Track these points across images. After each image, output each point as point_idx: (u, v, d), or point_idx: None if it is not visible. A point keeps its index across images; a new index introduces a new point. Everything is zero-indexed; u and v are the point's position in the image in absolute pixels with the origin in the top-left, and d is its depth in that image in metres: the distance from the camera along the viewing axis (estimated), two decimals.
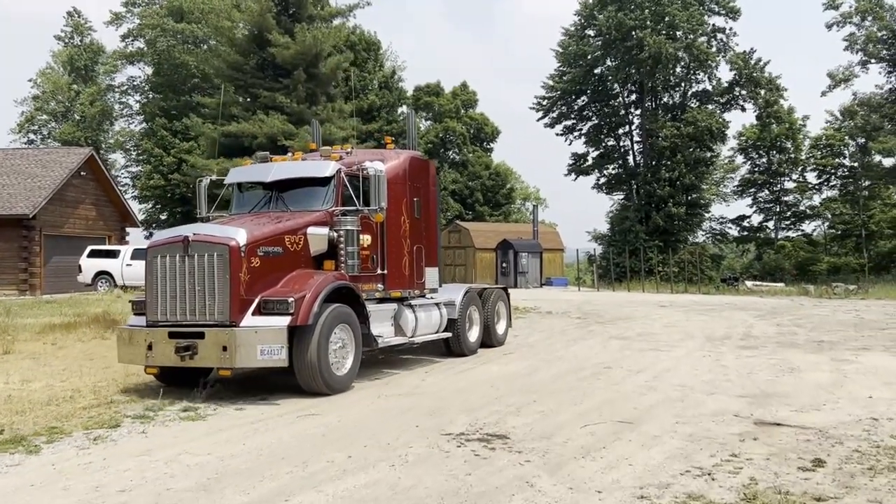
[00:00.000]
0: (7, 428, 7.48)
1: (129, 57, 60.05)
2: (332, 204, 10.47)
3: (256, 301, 9.08)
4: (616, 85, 58.60)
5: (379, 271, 11.06)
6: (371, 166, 10.61)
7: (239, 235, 9.15)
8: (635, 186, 56.76)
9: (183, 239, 9.24)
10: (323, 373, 9.25)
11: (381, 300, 11.18)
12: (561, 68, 58.26)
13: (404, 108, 60.76)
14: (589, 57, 56.61)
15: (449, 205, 57.94)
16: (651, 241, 51.81)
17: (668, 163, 53.88)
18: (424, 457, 6.50)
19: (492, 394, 9.49)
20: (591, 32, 57.40)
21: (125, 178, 63.88)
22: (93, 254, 31.68)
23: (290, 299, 9.00)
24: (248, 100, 45.13)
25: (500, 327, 14.80)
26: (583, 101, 59.16)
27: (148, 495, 5.49)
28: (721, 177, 65.72)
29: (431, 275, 12.50)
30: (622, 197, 58.87)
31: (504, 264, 42.31)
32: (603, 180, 59.64)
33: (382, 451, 6.68)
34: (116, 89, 62.89)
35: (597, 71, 57.92)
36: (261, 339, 8.79)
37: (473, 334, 13.63)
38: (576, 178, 60.10)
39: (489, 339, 14.15)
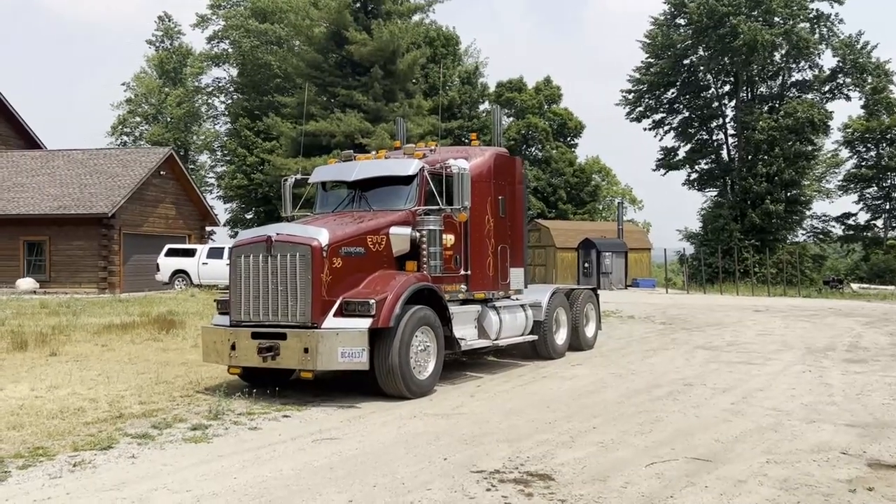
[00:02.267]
0: None
1: (215, 59, 61.03)
2: (415, 203, 10.22)
3: (338, 302, 8.88)
4: (708, 76, 55.56)
5: (462, 272, 10.78)
6: (455, 164, 10.36)
7: (321, 236, 8.97)
8: (729, 182, 53.65)
9: (266, 239, 9.11)
10: (405, 376, 8.99)
11: (465, 301, 10.89)
12: (648, 60, 55.69)
13: (487, 105, 59.54)
14: (678, 47, 53.83)
15: (531, 203, 56.32)
16: (746, 241, 48.74)
17: (765, 157, 50.56)
18: None
19: (545, 417, 8.15)
20: (681, 21, 54.59)
21: (211, 178, 65.11)
22: (170, 252, 31.84)
23: (372, 301, 8.78)
24: (327, 98, 44.89)
25: (589, 330, 14.25)
26: (672, 93, 56.38)
27: None
28: (823, 172, 61.50)
29: (517, 275, 12.06)
30: (715, 193, 55.78)
31: (586, 264, 40.45)
32: (694, 176, 56.74)
33: (392, 494, 5.47)
34: (203, 91, 64.05)
35: (686, 61, 55.05)
36: (342, 341, 8.57)
37: (561, 337, 13.08)
38: (665, 174, 57.45)
39: (577, 342, 13.60)
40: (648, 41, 55.33)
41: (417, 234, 9.89)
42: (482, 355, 12.80)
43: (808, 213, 55.44)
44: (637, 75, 56.14)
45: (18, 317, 18.12)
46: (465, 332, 10.61)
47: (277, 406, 8.74)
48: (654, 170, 57.60)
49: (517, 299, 12.12)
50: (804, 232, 57.13)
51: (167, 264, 31.47)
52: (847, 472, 6.08)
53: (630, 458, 6.45)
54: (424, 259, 9.86)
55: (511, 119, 62.18)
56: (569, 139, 62.98)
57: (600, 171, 64.97)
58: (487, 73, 77.66)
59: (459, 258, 10.70)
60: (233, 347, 9.12)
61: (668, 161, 56.87)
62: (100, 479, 5.91)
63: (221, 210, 58.51)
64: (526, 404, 8.92)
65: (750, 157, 52.10)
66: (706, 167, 56.69)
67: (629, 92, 56.62)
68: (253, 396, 8.99)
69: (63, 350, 13.32)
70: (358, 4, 45.15)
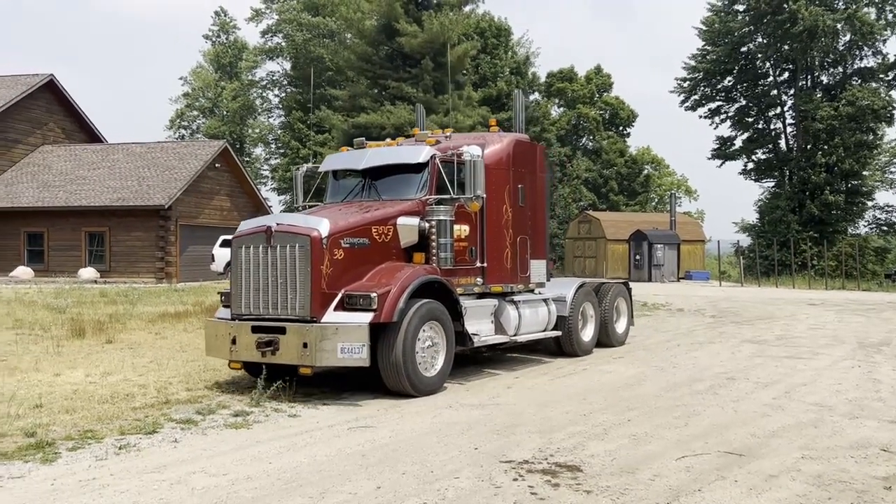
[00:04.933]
0: (41, 430, 7.00)
1: (269, 52, 62.02)
2: (427, 192, 9.80)
3: (339, 295, 8.51)
4: (766, 63, 54.19)
5: (478, 264, 10.31)
6: (467, 151, 9.88)
7: (321, 226, 8.62)
8: (787, 172, 52.30)
9: (266, 229, 8.80)
10: (409, 373, 8.62)
11: (482, 295, 10.45)
12: (705, 47, 54.57)
13: (537, 95, 59.15)
14: (736, 34, 52.59)
15: (582, 194, 55.88)
16: (804, 233, 47.50)
17: (825, 147, 49.11)
18: (467, 493, 5.34)
19: (580, 409, 8.16)
20: (738, 7, 53.31)
21: (265, 170, 66.21)
22: (225, 243, 32.51)
23: (374, 294, 8.40)
24: (377, 91, 45.23)
25: (620, 326, 13.69)
26: (729, 81, 55.17)
27: None
28: (887, 161, 59.45)
29: (538, 268, 11.53)
30: (773, 184, 54.44)
31: (637, 256, 39.99)
32: (751, 166, 55.50)
33: (420, 481, 5.58)
34: (257, 84, 65.15)
35: (744, 49, 53.75)
36: (341, 336, 8.21)
37: (588, 333, 12.58)
38: (721, 164, 56.32)
39: (606, 339, 13.07)
40: (705, 28, 54.21)
41: (427, 225, 9.52)
42: (503, 351, 12.43)
43: (869, 204, 53.75)
44: (693, 63, 55.09)
45: (79, 305, 18.80)
46: (480, 328, 10.19)
47: (317, 395, 8.95)
48: (710, 159, 56.57)
49: (540, 293, 11.66)
50: (866, 223, 55.40)
51: (222, 255, 32.14)
52: (885, 470, 5.96)
53: (661, 452, 6.44)
54: (433, 251, 9.49)
55: (562, 109, 61.70)
56: (620, 129, 62.19)
57: (652, 161, 63.99)
58: (538, 63, 77.07)
59: (475, 250, 10.28)
60: (233, 342, 8.83)
61: (724, 151, 55.72)
62: (142, 461, 6.16)
63: (275, 202, 59.57)
64: (562, 396, 8.94)
65: (809, 146, 50.70)
66: (763, 157, 55.40)
67: (684, 80, 55.62)
68: (294, 386, 9.21)
69: (118, 338, 13.79)
70: None
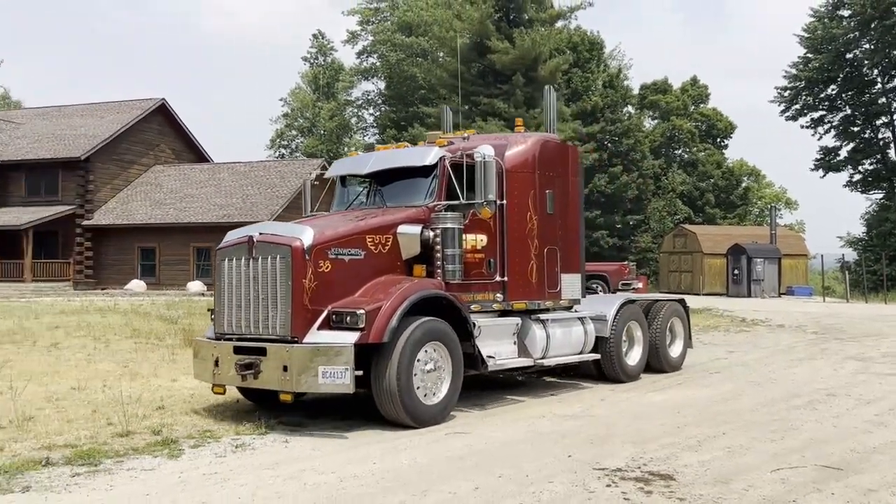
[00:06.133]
0: (165, 429, 7.63)
1: (364, 72, 63.79)
2: (435, 198, 8.85)
3: (325, 312, 7.69)
4: (874, 70, 51.88)
5: (497, 278, 9.23)
6: (478, 151, 8.81)
7: (305, 235, 7.79)
8: None
9: (248, 239, 8.03)
10: (405, 401, 7.66)
11: (504, 313, 9.42)
12: (806, 55, 52.74)
13: (630, 108, 58.53)
14: (840, 40, 50.64)
15: (677, 207, 54.83)
16: None
17: None
18: (562, 496, 5.56)
19: (674, 422, 8.22)
20: (843, 13, 51.35)
21: None
22: None
23: (360, 311, 7.50)
24: (468, 107, 45.88)
25: (675, 349, 12.28)
26: (832, 89, 53.02)
27: None
28: None
29: (570, 283, 10.31)
30: (881, 196, 51.94)
31: (735, 271, 38.91)
32: (857, 177, 53.10)
33: (516, 484, 5.83)
34: (353, 104, 67.05)
35: (849, 55, 51.68)
36: (322, 358, 7.34)
37: (634, 356, 11.24)
38: (824, 175, 54.10)
39: (657, 363, 11.78)
40: (807, 35, 52.38)
41: (431, 234, 8.53)
42: (545, 374, 11.44)
43: None
44: (794, 71, 53.30)
45: (189, 316, 19.92)
46: (499, 349, 9.08)
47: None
48: (812, 171, 54.50)
49: (576, 311, 10.47)
50: None
51: None
52: None
53: (756, 464, 6.47)
54: (438, 262, 8.50)
55: (655, 121, 60.81)
56: (717, 140, 60.75)
57: (750, 172, 62.15)
58: (631, 75, 76.20)
59: (494, 262, 9.20)
60: (216, 363, 8.06)
61: (827, 162, 53.55)
62: (257, 458, 6.67)
63: None
64: (656, 410, 9.00)
65: None
66: (870, 168, 52.94)
67: (785, 89, 53.83)
68: None
69: None
70: (500, 14, 45.89)
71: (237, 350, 7.90)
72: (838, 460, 6.58)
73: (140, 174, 39.80)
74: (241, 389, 8.69)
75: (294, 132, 69.21)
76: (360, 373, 7.50)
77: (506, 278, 9.29)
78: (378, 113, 64.67)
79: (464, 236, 8.68)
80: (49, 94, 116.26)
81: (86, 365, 12.07)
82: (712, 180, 56.69)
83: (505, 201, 9.23)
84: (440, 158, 8.96)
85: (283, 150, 68.49)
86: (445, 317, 8.24)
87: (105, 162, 38.09)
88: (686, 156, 58.84)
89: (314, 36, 69.43)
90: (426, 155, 9.08)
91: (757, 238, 41.82)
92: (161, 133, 41.28)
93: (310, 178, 10.70)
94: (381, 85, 63.66)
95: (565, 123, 44.96)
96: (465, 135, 9.99)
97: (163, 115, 41.15)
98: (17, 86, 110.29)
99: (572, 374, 11.52)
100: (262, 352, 7.67)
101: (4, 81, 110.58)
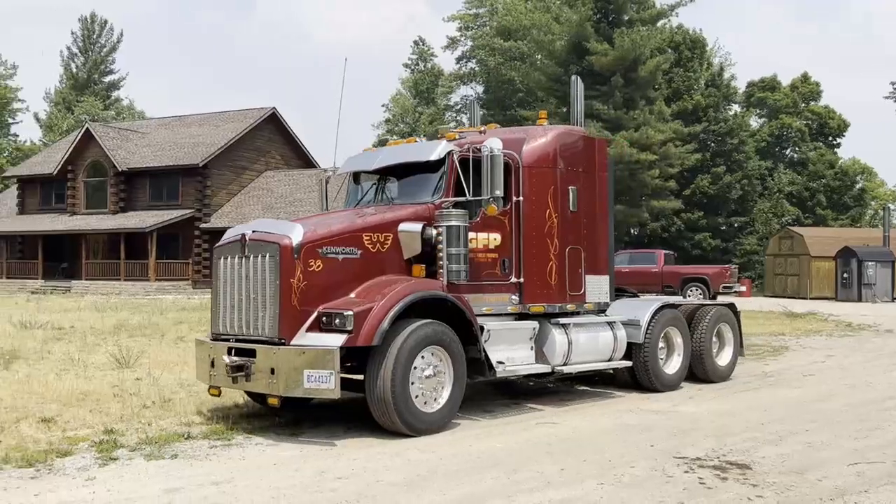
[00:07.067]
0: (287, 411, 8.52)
1: (463, 78, 64.81)
2: (443, 194, 8.44)
3: (314, 314, 7.45)
4: None
5: (513, 279, 8.81)
6: (483, 145, 8.25)
7: (294, 233, 7.54)
8: None
9: (241, 237, 7.85)
10: (400, 408, 7.32)
11: (522, 316, 8.97)
12: None
13: (736, 107, 57.04)
14: None
15: (785, 208, 53.09)
16: None
17: None
18: (641, 479, 6.07)
19: (758, 418, 8.52)
20: None
21: None
22: None
23: (349, 313, 7.21)
24: (566, 110, 46.00)
25: (723, 357, 11.35)
26: None
27: None
28: None
29: (596, 285, 9.74)
30: None
31: (845, 275, 37.54)
32: None
33: (599, 467, 6.38)
34: (452, 108, 68.24)
35: None
36: (307, 361, 7.10)
37: (673, 365, 10.49)
38: None
39: (702, 372, 10.93)
40: None
41: (434, 232, 8.11)
42: (573, 382, 10.93)
43: None
44: None
45: None
46: (514, 354, 8.63)
47: (511, 395, 9.98)
48: None
49: (605, 315, 9.88)
50: None
51: None
52: None
53: (834, 458, 6.76)
54: (441, 262, 8.05)
55: (763, 120, 59.05)
56: (830, 139, 58.40)
57: (863, 171, 59.37)
58: (737, 72, 74.05)
59: (509, 262, 8.79)
60: (212, 364, 7.87)
61: None
62: (366, 439, 7.46)
63: None
64: (743, 408, 9.28)
65: None
66: None
67: None
68: (492, 386, 10.26)
69: None
70: (599, 16, 45.84)
71: (231, 351, 7.72)
72: None
73: (252, 179, 42.13)
74: (248, 392, 8.46)
75: (395, 137, 71.06)
76: (360, 377, 7.61)
77: (522, 279, 8.89)
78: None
79: (475, 235, 8.38)
80: (174, 104, 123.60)
81: None
82: (824, 180, 54.55)
83: (522, 198, 8.86)
84: (448, 153, 8.54)
85: None
86: (449, 320, 7.89)
87: (221, 168, 40.55)
88: (796, 155, 56.84)
89: (415, 42, 71.06)
90: (433, 150, 8.69)
91: (869, 240, 40.17)
92: (271, 140, 43.59)
93: (325, 176, 10.53)
94: (480, 89, 64.51)
95: (665, 124, 44.49)
96: (482, 128, 9.54)
97: (273, 123, 43.44)
98: (142, 98, 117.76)
99: (608, 382, 10.99)
100: (254, 353, 7.51)
101: (130, 93, 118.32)
